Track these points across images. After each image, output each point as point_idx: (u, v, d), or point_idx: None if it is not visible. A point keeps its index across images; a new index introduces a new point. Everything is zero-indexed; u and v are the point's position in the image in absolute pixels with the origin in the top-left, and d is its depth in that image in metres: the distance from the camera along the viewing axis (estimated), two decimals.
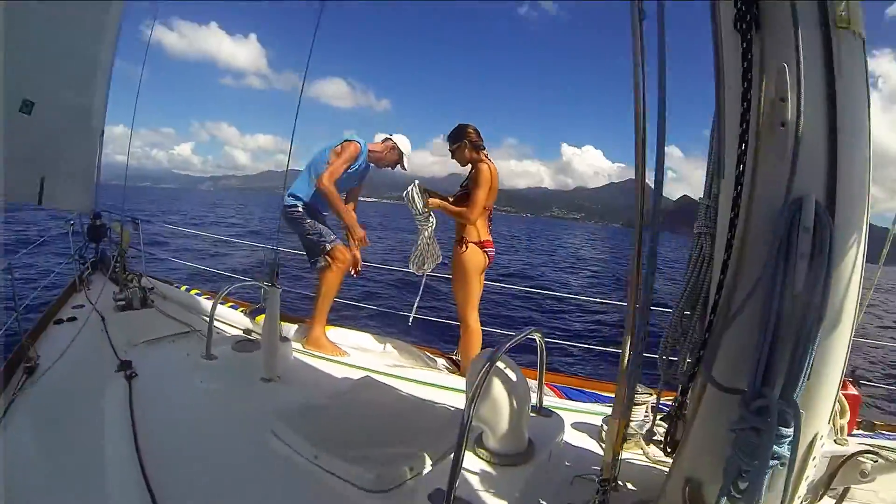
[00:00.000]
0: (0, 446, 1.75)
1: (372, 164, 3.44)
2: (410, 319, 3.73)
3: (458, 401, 2.38)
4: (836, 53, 1.10)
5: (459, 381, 2.85)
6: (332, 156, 3.17)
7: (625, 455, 1.81)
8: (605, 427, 1.97)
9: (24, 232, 12.41)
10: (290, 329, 3.28)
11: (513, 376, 1.50)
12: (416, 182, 3.12)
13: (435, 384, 2.75)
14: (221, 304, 3.63)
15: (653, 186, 1.29)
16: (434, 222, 3.17)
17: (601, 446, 1.95)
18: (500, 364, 1.44)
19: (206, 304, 3.67)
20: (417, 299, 3.65)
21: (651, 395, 1.91)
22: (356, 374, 2.57)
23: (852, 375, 2.03)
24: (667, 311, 1.53)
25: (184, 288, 3.97)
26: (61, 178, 3.47)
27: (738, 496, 1.14)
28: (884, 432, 2.23)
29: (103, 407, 2.08)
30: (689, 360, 1.33)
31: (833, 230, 1.07)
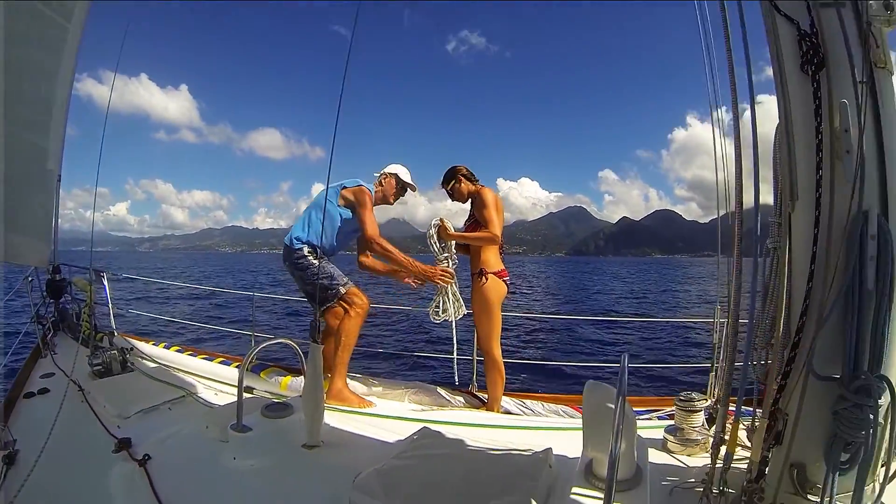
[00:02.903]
0: None
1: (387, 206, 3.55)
2: (455, 368, 3.60)
3: (514, 437, 2.49)
4: (878, 88, 1.45)
5: (505, 418, 2.99)
6: (341, 200, 3.24)
7: (694, 461, 2.04)
8: (670, 437, 2.19)
9: None
10: (297, 382, 3.23)
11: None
12: (435, 221, 3.28)
13: (487, 424, 2.80)
14: (208, 359, 3.50)
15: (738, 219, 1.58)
16: (455, 262, 3.32)
17: (672, 457, 2.13)
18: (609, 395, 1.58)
19: (192, 361, 3.53)
20: (455, 344, 3.52)
21: (706, 401, 2.17)
22: (393, 425, 2.56)
23: None
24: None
25: (162, 345, 3.75)
26: (18, 230, 3.21)
27: (844, 466, 1.41)
28: None
29: (118, 501, 1.89)
30: (775, 360, 1.60)
31: (891, 234, 1.40)
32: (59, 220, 3.63)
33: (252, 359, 2.39)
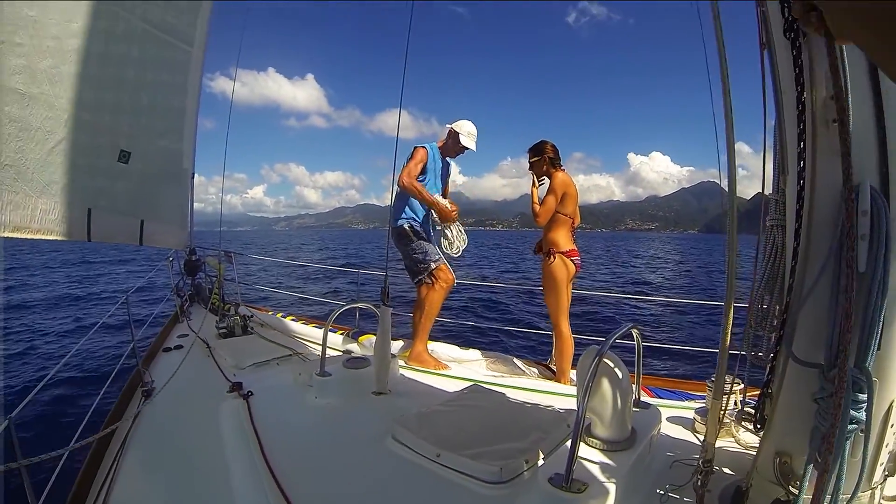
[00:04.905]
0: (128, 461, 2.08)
1: (449, 159, 3.91)
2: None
3: (560, 402, 2.66)
4: None
5: (558, 387, 3.16)
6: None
7: (718, 443, 2.02)
8: (699, 418, 2.20)
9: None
10: (392, 346, 3.67)
11: (618, 370, 1.74)
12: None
13: (536, 389, 3.04)
14: (317, 327, 4.10)
15: (726, 190, 1.54)
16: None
17: (696, 436, 2.15)
18: (606, 360, 1.69)
19: (304, 328, 4.14)
20: None
21: (739, 384, 2.10)
22: (460, 385, 2.84)
23: None
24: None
25: (279, 315, 4.47)
26: (159, 220, 4.02)
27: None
28: None
29: (223, 424, 2.38)
30: (771, 341, 1.55)
31: (888, 212, 1.27)
32: (203, 205, 4.47)
33: (335, 318, 2.86)
